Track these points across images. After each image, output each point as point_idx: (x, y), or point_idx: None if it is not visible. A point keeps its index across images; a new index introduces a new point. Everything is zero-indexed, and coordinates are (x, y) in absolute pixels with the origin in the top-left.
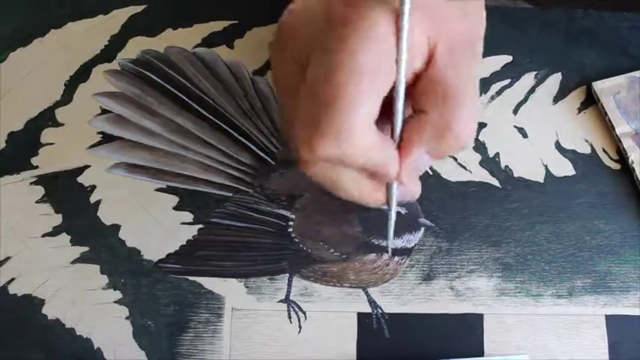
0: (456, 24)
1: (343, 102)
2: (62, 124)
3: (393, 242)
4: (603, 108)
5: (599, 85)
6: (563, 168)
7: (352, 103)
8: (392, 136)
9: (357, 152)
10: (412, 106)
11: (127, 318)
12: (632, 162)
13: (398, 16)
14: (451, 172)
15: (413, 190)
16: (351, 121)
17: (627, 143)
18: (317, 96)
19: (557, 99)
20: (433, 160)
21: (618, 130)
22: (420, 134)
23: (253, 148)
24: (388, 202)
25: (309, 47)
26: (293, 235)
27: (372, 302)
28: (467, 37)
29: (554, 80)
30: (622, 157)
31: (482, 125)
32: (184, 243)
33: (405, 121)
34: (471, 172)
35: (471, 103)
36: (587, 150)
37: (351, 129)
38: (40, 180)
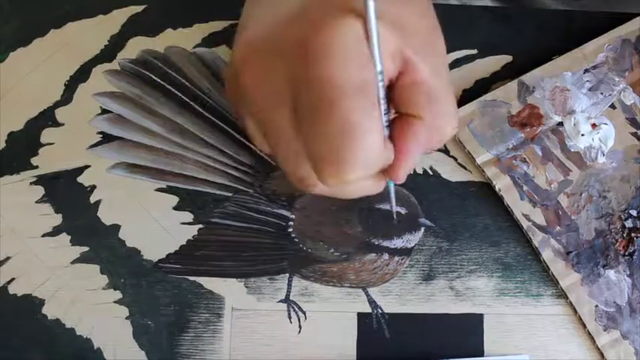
0: (418, 25)
1: (355, 128)
2: (62, 124)
3: (393, 242)
4: (460, 140)
5: None
6: None
7: (364, 125)
8: None
9: (377, 165)
10: (399, 110)
11: (127, 318)
12: (500, 190)
13: (365, 22)
14: (451, 172)
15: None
16: (370, 143)
17: (491, 172)
18: (323, 127)
19: None
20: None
21: (479, 160)
22: (416, 137)
23: (253, 148)
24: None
25: (291, 82)
26: (293, 235)
27: (372, 302)
28: (430, 35)
29: None
30: None
31: None
32: (184, 243)
33: (393, 123)
34: (471, 172)
35: (453, 100)
36: None
37: (373, 150)
38: (40, 180)
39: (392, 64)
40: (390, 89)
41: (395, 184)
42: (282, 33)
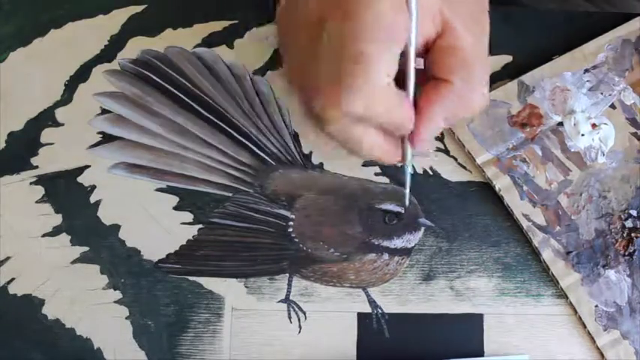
0: None
1: (365, 60)
2: (62, 124)
3: (393, 242)
4: (460, 140)
5: None
6: None
7: (374, 60)
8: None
9: (381, 108)
10: (430, 74)
11: (127, 318)
12: (500, 190)
13: None
14: (451, 172)
15: (427, 147)
16: (374, 77)
17: (491, 172)
18: (339, 55)
19: None
20: (446, 124)
21: (479, 160)
22: (442, 101)
23: (253, 148)
24: (404, 158)
25: (324, 8)
26: (293, 235)
27: (372, 302)
28: (476, 11)
29: None
30: None
31: None
32: (184, 243)
33: (421, 87)
34: (470, 172)
35: (486, 71)
36: None
37: (374, 84)
38: (40, 180)
39: (431, 25)
40: (427, 53)
41: (397, 183)
42: None
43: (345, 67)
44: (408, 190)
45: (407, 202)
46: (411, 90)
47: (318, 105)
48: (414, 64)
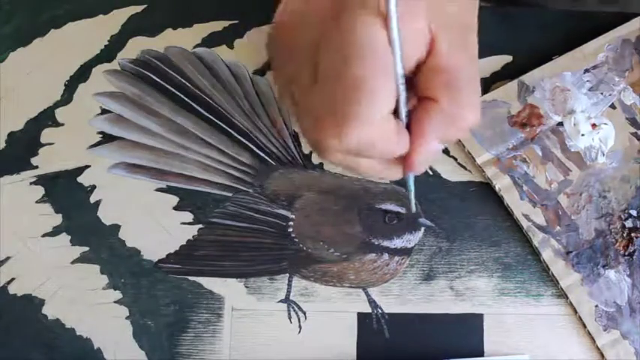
0: (449, 6)
1: (365, 95)
2: (62, 124)
3: (393, 242)
4: (460, 140)
5: None
6: None
7: (373, 95)
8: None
9: (380, 143)
10: (419, 94)
11: (127, 318)
12: (500, 190)
13: (385, 14)
14: (451, 172)
15: (425, 168)
16: (375, 112)
17: (491, 172)
18: (336, 91)
19: None
20: (441, 145)
21: (479, 160)
22: (431, 121)
23: (253, 148)
24: (404, 174)
25: (319, 42)
26: (293, 235)
27: (372, 302)
28: (460, 19)
29: None
30: None
31: None
32: (184, 243)
33: (412, 110)
34: (470, 172)
35: (476, 88)
36: None
37: (375, 118)
38: (40, 180)
39: (422, 45)
40: (417, 73)
41: (397, 183)
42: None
43: (342, 96)
44: (413, 200)
45: (414, 209)
46: (403, 116)
47: (316, 133)
48: (404, 93)
